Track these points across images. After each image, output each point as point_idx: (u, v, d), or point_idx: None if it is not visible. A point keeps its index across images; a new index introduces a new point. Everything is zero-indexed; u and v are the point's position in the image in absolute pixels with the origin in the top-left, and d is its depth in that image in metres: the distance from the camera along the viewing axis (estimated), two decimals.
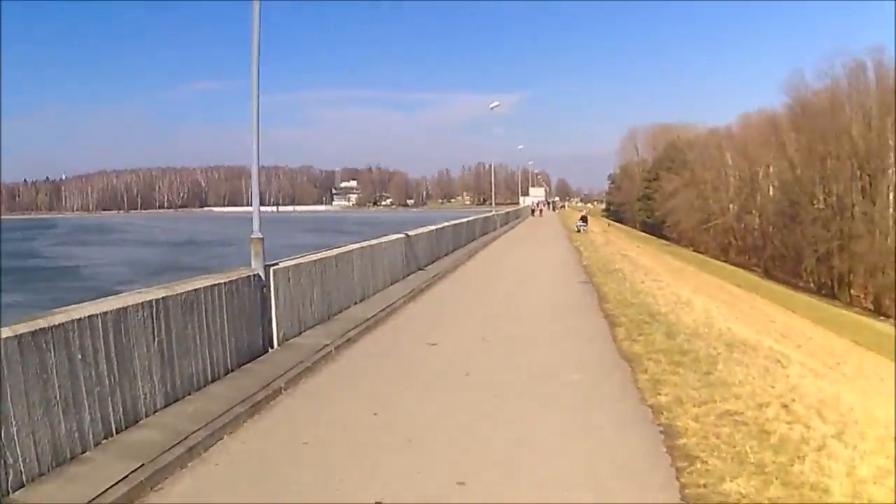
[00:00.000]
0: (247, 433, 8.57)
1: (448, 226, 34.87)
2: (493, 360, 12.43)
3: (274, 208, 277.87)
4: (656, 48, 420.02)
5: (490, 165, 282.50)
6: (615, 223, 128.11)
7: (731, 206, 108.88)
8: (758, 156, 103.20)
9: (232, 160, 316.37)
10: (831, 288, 79.23)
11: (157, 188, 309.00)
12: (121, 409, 8.02)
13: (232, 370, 10.95)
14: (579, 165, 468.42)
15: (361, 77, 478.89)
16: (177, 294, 9.54)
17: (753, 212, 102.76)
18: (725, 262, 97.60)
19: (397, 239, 23.93)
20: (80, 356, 7.41)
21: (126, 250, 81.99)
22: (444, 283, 24.50)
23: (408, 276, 24.26)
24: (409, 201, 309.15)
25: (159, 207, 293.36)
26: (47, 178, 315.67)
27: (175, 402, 9.17)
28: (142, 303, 8.67)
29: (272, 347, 12.71)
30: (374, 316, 16.51)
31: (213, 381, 10.29)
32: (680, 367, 11.33)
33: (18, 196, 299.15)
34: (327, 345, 13.07)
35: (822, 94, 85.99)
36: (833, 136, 79.48)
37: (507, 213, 75.98)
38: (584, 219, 58.10)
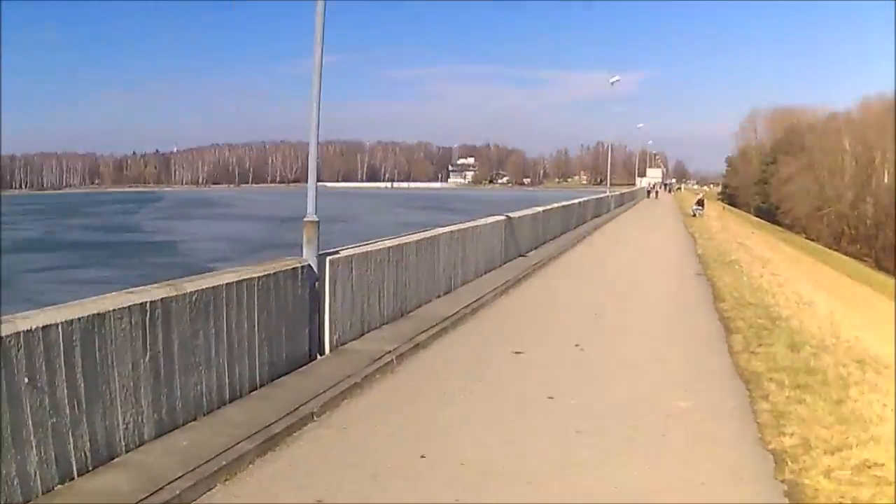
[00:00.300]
0: (245, 482, 6.61)
1: (556, 207, 32.73)
2: (585, 378, 10.54)
3: (388, 184, 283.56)
4: (781, 26, 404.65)
5: (607, 145, 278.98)
6: (729, 207, 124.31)
7: (847, 193, 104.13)
8: (875, 141, 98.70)
9: (347, 135, 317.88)
10: None
11: (269, 162, 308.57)
12: (87, 445, 6.23)
13: (261, 385, 9.11)
14: (697, 147, 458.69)
15: (481, 53, 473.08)
16: (183, 294, 7.66)
17: (867, 199, 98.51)
18: (837, 250, 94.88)
19: (496, 222, 22.06)
20: (25, 380, 5.66)
21: (228, 225, 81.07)
22: (543, 273, 22.42)
23: (505, 263, 22.16)
24: (525, 180, 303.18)
25: (271, 182, 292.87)
26: (157, 150, 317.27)
27: (171, 430, 7.32)
28: (128, 307, 6.82)
29: (321, 354, 10.86)
30: (455, 313, 14.56)
31: (231, 400, 8.45)
32: (806, 392, 9.34)
33: (126, 169, 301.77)
34: (388, 352, 11.14)
35: None
36: None
37: (622, 194, 73.47)
38: (700, 202, 56.03)
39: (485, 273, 19.89)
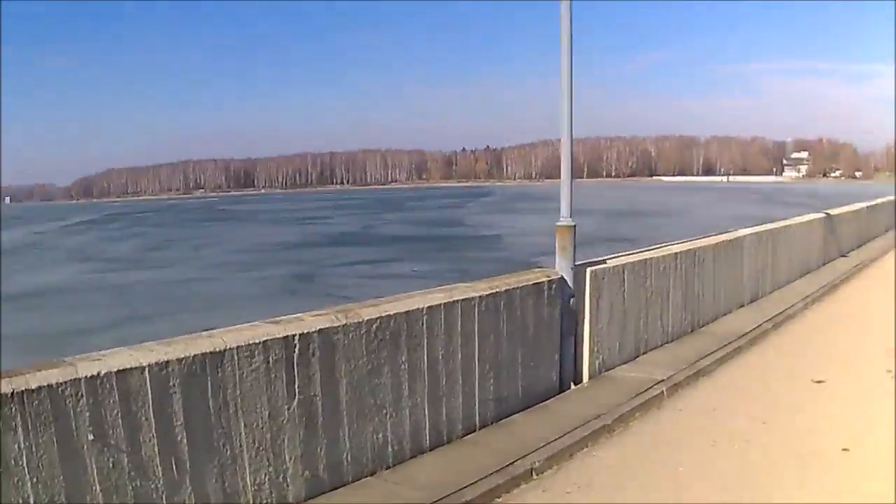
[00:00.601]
0: None
1: (881, 202, 28.67)
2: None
3: (725, 178, 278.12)
4: None
5: None
6: None
7: None
8: None
9: (682, 130, 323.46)
10: None
11: (604, 157, 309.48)
12: None
13: (482, 427, 7.45)
14: None
15: (803, 49, 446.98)
16: (357, 323, 6.07)
17: None
18: None
19: (813, 220, 19.78)
20: (90, 436, 4.41)
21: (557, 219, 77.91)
22: (863, 276, 19.44)
23: (823, 265, 19.70)
24: (857, 173, 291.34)
25: (606, 176, 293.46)
26: (487, 146, 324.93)
27: (334, 489, 5.89)
28: (262, 342, 5.36)
29: (577, 383, 9.08)
30: (755, 328, 12.43)
31: (433, 447, 6.83)
32: None
33: (455, 164, 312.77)
34: (660, 381, 9.16)
35: None
36: None
37: None
38: None
39: (799, 277, 17.69)
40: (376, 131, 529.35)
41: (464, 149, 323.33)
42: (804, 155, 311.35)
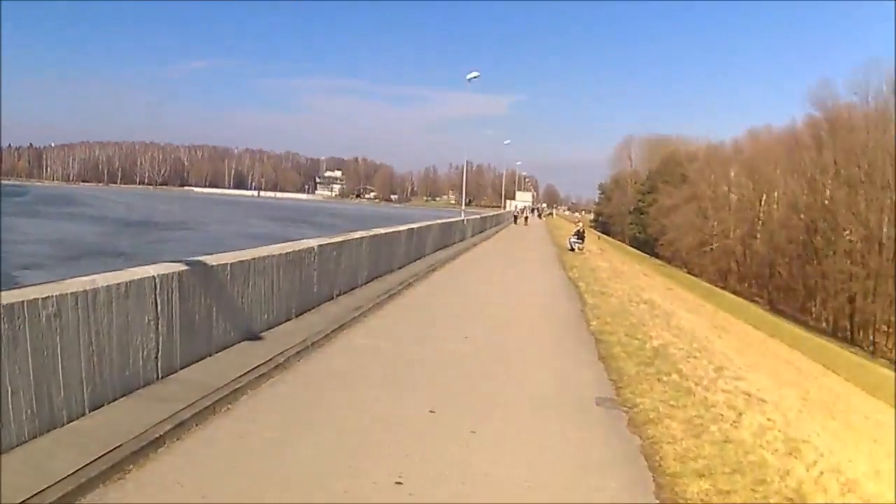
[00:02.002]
0: None
1: (356, 238, 18.83)
2: None
3: (255, 193, 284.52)
4: (657, 55, 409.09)
5: (475, 165, 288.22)
6: (604, 236, 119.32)
7: (734, 228, 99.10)
8: (768, 175, 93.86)
9: (217, 140, 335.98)
10: (847, 331, 70.68)
11: (139, 163, 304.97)
12: None
13: None
14: (570, 173, 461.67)
15: (356, 68, 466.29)
16: None
17: (758, 237, 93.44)
18: (724, 288, 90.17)
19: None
20: None
21: (69, 226, 72.20)
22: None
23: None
24: (392, 196, 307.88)
25: (139, 183, 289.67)
26: (31, 144, 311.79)
27: None
28: None
29: None
30: None
31: None
32: None
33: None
34: None
35: (855, 108, 76.23)
36: (871, 157, 69.40)
37: (485, 217, 59.71)
38: (579, 235, 43.93)
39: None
40: None
41: (10, 145, 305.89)
42: (338, 174, 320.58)
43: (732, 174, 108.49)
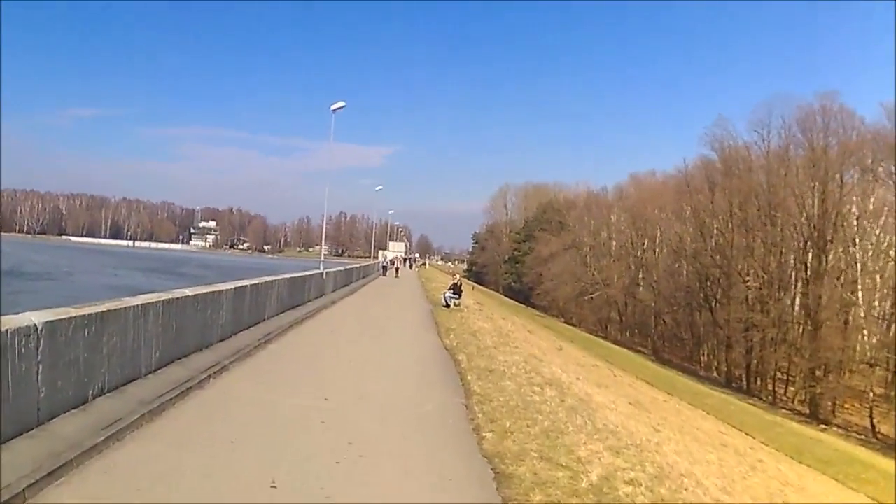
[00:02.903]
0: None
1: (160, 301, 13.04)
2: None
3: (130, 243, 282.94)
4: (535, 104, 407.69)
5: (349, 216, 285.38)
6: (478, 286, 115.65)
7: (616, 277, 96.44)
8: (653, 220, 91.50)
9: (95, 189, 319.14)
10: (740, 380, 68.99)
11: (19, 211, 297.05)
12: None
13: None
14: (445, 223, 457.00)
15: (236, 118, 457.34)
16: None
17: (640, 285, 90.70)
18: (605, 338, 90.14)
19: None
20: None
21: None
22: None
23: None
24: (266, 247, 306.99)
25: (18, 231, 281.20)
26: None
27: None
28: None
29: None
30: None
31: None
32: None
33: None
34: None
35: (753, 148, 74.23)
36: (771, 197, 66.24)
37: (350, 269, 51.49)
38: (455, 289, 37.96)
39: None
40: None
41: None
42: (212, 224, 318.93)
43: (613, 219, 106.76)
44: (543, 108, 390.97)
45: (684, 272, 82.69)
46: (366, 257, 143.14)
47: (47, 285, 59.60)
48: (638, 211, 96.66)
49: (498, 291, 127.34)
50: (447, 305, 36.27)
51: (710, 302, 75.57)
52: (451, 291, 37.65)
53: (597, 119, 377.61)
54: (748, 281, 67.93)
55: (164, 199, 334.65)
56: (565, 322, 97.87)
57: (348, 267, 51.81)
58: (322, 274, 34.98)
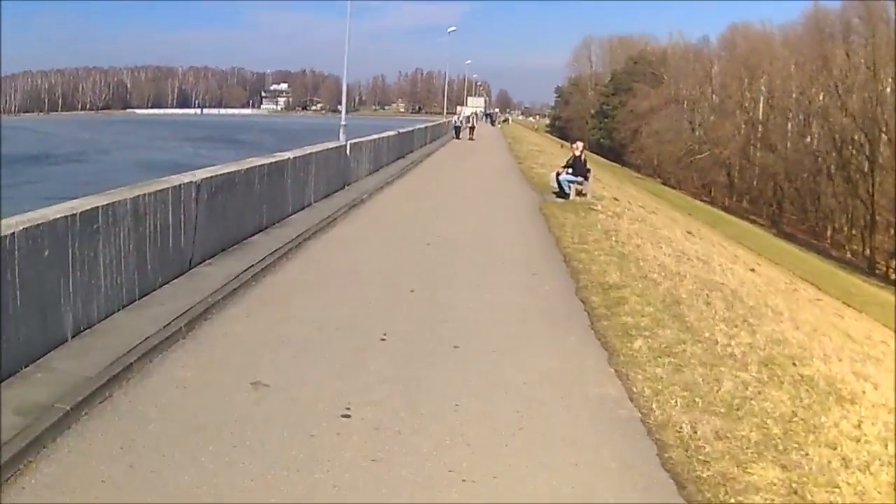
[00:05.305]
0: None
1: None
2: None
3: (198, 110, 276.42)
4: None
5: (425, 72, 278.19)
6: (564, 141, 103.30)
7: (733, 135, 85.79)
8: (770, 72, 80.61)
9: (161, 61, 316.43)
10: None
11: (80, 88, 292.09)
12: None
13: None
14: (525, 79, 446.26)
15: None
16: None
17: (755, 145, 78.93)
18: (711, 203, 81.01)
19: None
20: None
21: None
22: None
23: None
24: (339, 106, 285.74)
25: (81, 109, 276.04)
26: None
27: None
28: None
29: None
30: None
31: None
32: None
33: None
34: None
35: None
36: None
37: (405, 133, 36.94)
38: (577, 167, 22.27)
39: None
40: None
41: None
42: (284, 87, 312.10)
43: (717, 71, 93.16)
44: None
45: (812, 134, 71.06)
46: (438, 114, 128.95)
47: (67, 169, 56.65)
48: (753, 62, 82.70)
49: (585, 148, 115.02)
50: (563, 195, 21.89)
51: (848, 170, 65.07)
52: (570, 171, 22.39)
53: None
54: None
55: (234, 66, 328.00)
56: (663, 184, 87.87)
57: (404, 130, 36.42)
58: (345, 149, 21.67)
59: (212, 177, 11.25)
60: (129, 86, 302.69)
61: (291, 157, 15.29)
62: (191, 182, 10.38)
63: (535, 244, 14.80)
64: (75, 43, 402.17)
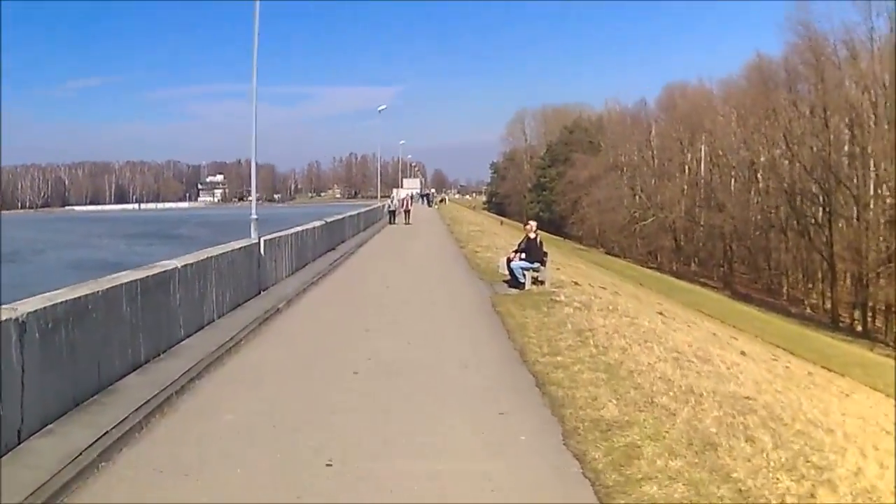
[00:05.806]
0: None
1: None
2: None
3: (136, 206, 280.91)
4: (540, 27, 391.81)
5: (360, 156, 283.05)
6: (504, 218, 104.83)
7: (678, 199, 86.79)
8: (713, 131, 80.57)
9: (97, 156, 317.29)
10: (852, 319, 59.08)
11: (20, 186, 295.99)
12: None
13: None
14: (459, 157, 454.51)
15: (237, 71, 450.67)
16: None
17: (701, 206, 78.94)
18: (658, 270, 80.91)
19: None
20: None
21: None
22: None
23: None
24: (276, 196, 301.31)
25: (21, 207, 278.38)
26: None
27: None
28: None
29: None
30: None
31: None
32: None
33: None
34: None
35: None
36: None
37: (333, 222, 33.37)
38: (530, 251, 19.34)
39: None
40: None
41: None
42: (219, 178, 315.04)
43: (655, 135, 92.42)
44: (555, 21, 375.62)
45: (759, 189, 72.49)
46: (373, 198, 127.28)
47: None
48: (694, 120, 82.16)
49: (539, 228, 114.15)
50: (516, 284, 19.00)
51: (803, 222, 65.49)
52: (523, 255, 19.36)
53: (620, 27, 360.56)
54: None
55: (170, 159, 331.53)
56: (607, 253, 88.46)
57: (331, 220, 32.47)
58: (258, 246, 18.43)
59: (46, 307, 8.12)
60: (66, 182, 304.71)
61: (180, 265, 12.08)
62: (9, 319, 7.33)
63: (495, 362, 11.39)
64: (12, 140, 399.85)
